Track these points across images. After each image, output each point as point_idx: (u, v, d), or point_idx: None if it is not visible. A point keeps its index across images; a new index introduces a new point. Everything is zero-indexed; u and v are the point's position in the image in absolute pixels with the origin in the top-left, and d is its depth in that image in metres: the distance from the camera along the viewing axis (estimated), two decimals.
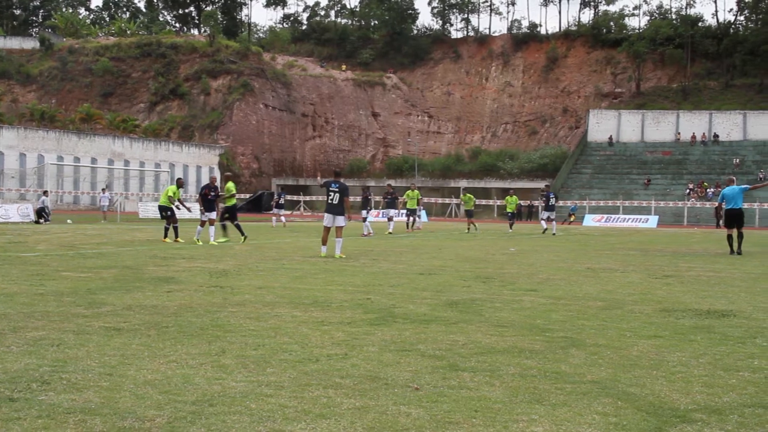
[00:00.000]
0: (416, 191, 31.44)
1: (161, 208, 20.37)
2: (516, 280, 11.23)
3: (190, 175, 68.58)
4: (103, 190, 42.48)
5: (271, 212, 34.94)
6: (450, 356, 5.63)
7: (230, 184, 20.53)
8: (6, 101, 70.51)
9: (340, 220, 15.37)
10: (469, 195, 32.67)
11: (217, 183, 21.22)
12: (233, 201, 20.58)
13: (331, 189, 15.39)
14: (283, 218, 33.48)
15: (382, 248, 18.71)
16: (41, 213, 32.83)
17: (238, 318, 7.18)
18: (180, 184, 21.00)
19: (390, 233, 27.65)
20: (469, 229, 30.99)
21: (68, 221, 33.22)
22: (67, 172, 56.44)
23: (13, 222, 32.25)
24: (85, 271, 11.46)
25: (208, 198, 19.60)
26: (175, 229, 20.00)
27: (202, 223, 19.64)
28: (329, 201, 15.36)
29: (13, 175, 54.45)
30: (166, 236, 19.79)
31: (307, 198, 67.15)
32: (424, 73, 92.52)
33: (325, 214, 15.55)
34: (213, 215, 19.74)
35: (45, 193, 34.88)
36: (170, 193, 20.21)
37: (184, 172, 67.88)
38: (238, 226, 20.25)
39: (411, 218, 30.91)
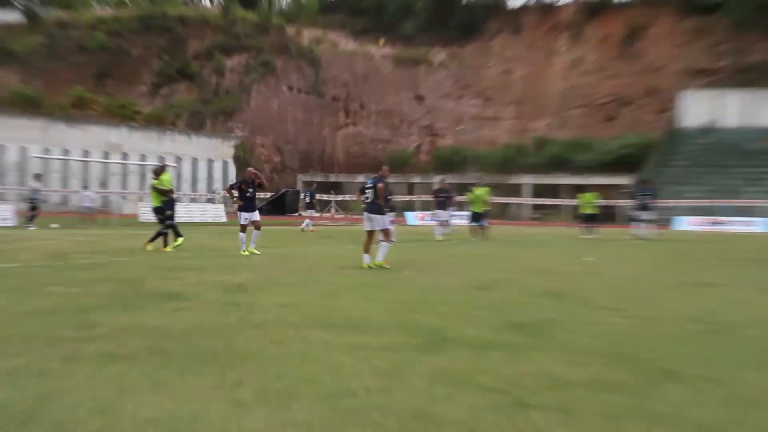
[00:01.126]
0: (485, 189, 29.32)
1: (156, 211, 19.95)
2: (595, 297, 11.06)
3: (200, 170, 69.34)
4: (84, 187, 42.32)
5: (301, 214, 35.10)
6: (515, 390, 5.61)
7: (167, 177, 19.74)
8: None
9: (380, 221, 15.38)
10: (483, 189, 29.39)
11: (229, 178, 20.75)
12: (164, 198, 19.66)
13: (367, 186, 15.60)
14: (308, 223, 33.03)
15: (429, 258, 18.65)
16: (33, 203, 32.84)
17: (258, 342, 7.21)
18: (159, 172, 20.03)
19: (440, 240, 27.46)
20: (477, 235, 28.46)
21: (51, 225, 33.67)
22: (54, 166, 57.47)
23: None
24: (74, 285, 11.60)
25: (246, 195, 18.94)
26: (163, 234, 19.67)
27: (243, 228, 18.91)
28: (365, 199, 15.49)
29: None
30: (166, 245, 19.75)
31: (339, 197, 67.43)
32: (478, 48, 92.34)
33: (364, 215, 15.65)
34: (255, 216, 19.05)
35: (38, 176, 35.05)
36: (167, 185, 19.67)
37: (194, 166, 68.73)
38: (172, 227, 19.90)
39: (478, 223, 28.95)
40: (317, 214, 36.39)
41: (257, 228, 19.11)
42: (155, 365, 6.15)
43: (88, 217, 37.56)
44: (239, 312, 9.06)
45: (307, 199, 34.94)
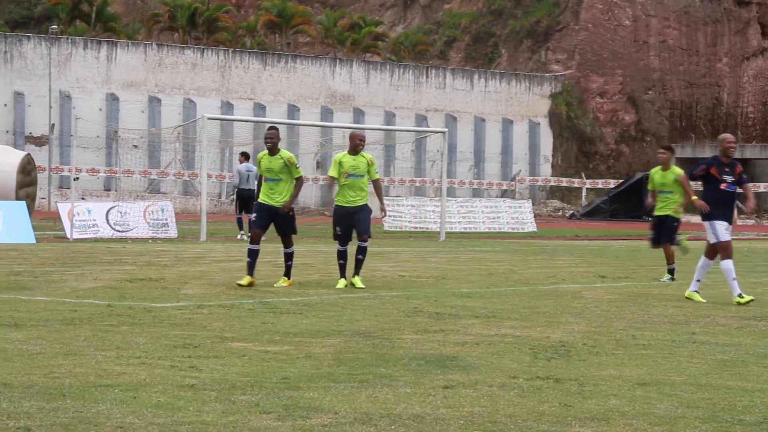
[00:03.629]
0: None
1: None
2: None
3: (489, 140, 69.76)
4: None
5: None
6: None
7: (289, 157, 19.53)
8: None
9: None
10: None
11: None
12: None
13: None
14: None
15: None
16: (242, 203, 35.36)
17: None
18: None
19: None
20: None
21: (240, 236, 35.39)
22: (239, 134, 59.20)
23: (136, 238, 34.91)
24: (276, 340, 12.04)
25: (720, 187, 18.50)
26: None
27: (712, 251, 18.09)
28: None
29: (136, 143, 57.82)
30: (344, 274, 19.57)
31: (759, 187, 65.61)
32: None
33: None
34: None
35: (245, 155, 36.85)
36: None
37: (476, 133, 69.41)
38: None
39: None
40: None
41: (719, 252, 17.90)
42: None
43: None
44: (560, 393, 8.97)
45: None
